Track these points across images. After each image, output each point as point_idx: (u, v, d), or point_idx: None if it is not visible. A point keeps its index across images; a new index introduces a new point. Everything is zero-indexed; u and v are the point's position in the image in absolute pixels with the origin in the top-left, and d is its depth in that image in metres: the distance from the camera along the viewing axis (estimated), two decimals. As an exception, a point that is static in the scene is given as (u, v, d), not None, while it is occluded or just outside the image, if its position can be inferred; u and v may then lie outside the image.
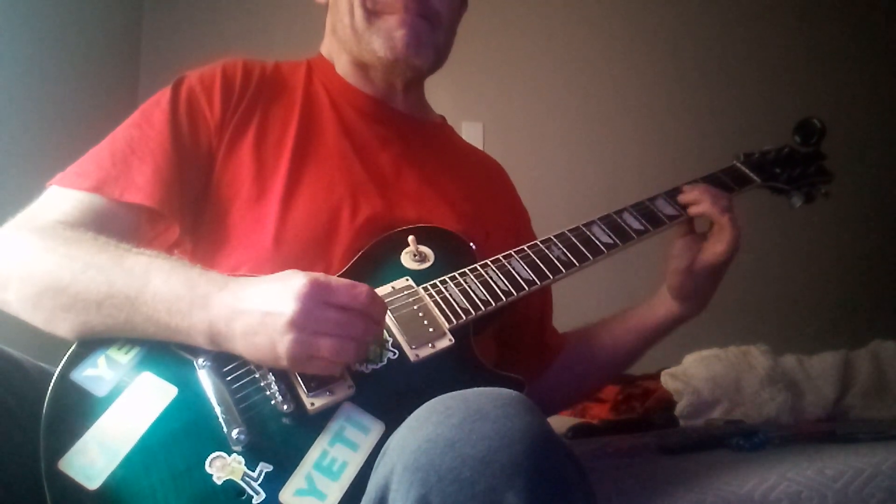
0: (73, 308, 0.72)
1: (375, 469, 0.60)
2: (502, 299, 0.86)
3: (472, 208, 1.02)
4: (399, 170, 0.99)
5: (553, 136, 2.49)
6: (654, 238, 1.00)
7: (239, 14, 2.30)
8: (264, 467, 0.66)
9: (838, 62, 2.64)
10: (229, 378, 0.71)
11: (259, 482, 0.65)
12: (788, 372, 1.49)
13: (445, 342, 0.79)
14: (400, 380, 0.76)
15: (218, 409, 0.68)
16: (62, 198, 0.84)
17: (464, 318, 0.82)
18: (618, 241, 0.96)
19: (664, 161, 2.39)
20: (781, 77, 2.60)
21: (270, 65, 1.02)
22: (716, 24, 2.61)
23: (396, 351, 0.78)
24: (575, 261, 0.92)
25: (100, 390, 0.69)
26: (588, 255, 0.93)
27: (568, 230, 0.96)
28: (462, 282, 0.86)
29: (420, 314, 0.81)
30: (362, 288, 0.70)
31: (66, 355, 0.71)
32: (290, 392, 0.71)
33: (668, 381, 1.52)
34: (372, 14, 0.95)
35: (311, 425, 0.69)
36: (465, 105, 2.34)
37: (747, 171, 1.12)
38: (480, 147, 1.25)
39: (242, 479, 0.65)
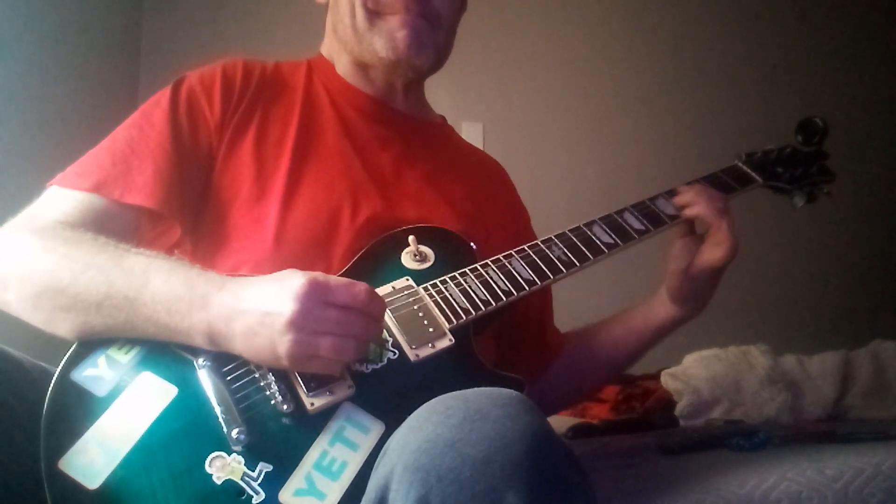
0: (73, 308, 0.72)
1: (375, 469, 0.60)
2: (503, 299, 0.85)
3: (473, 208, 1.02)
4: (399, 170, 0.99)
5: (553, 136, 2.49)
6: (654, 238, 0.99)
7: (239, 14, 2.30)
8: (264, 467, 0.66)
9: (838, 62, 2.64)
10: (229, 378, 0.71)
11: (259, 482, 0.65)
12: (788, 372, 1.49)
13: (445, 342, 0.79)
14: (400, 380, 0.76)
15: (218, 409, 0.68)
16: (62, 198, 0.84)
17: (464, 317, 0.82)
18: (619, 241, 0.96)
19: (664, 161, 2.40)
20: (781, 77, 2.60)
21: (270, 65, 1.02)
22: (716, 24, 2.61)
23: (396, 351, 0.78)
24: (576, 260, 0.92)
25: (100, 390, 0.69)
26: (589, 254, 0.93)
27: (569, 230, 0.95)
28: (462, 282, 0.86)
29: (420, 314, 0.81)
30: (361, 286, 0.70)
31: (67, 355, 0.71)
32: (289, 392, 0.71)
33: (668, 381, 1.52)
34: (373, 14, 0.95)
35: (310, 425, 0.69)
36: (465, 105, 2.33)
37: (749, 170, 1.11)
38: (480, 147, 1.25)
39: (242, 479, 0.65)
